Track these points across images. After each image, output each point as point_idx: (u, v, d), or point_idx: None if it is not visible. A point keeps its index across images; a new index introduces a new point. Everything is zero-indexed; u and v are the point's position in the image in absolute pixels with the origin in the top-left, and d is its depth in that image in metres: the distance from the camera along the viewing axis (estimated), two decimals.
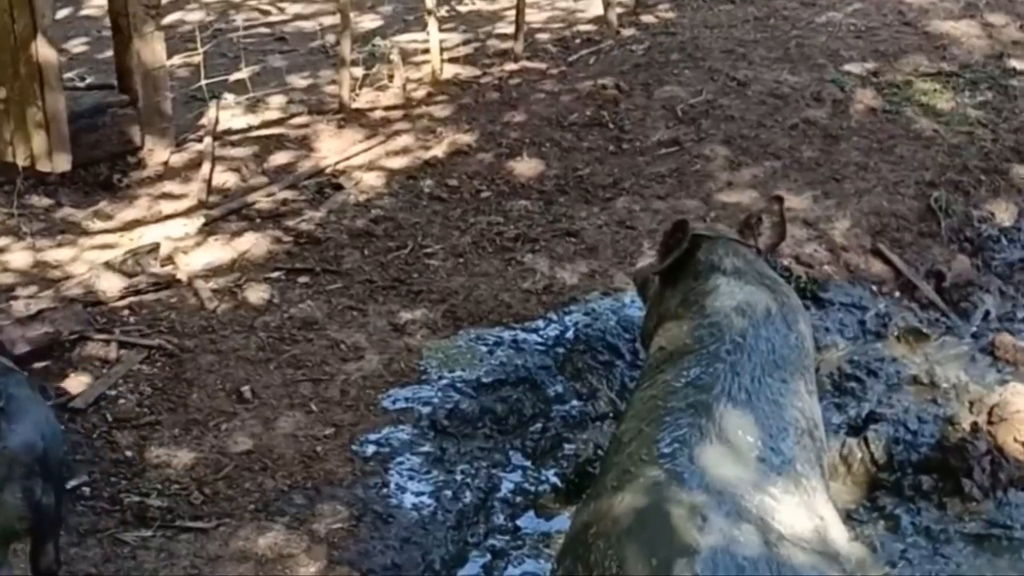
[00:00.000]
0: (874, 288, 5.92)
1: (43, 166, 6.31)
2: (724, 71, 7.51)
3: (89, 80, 7.80)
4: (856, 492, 4.76)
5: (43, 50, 6.07)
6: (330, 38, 8.36)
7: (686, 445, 3.33)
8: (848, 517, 4.37)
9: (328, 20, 8.81)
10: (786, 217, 4.42)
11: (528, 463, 4.86)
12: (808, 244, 6.02)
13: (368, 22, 8.95)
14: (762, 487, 3.28)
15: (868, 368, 5.34)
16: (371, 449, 4.65)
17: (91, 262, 5.75)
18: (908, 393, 5.21)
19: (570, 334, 5.37)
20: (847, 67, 7.55)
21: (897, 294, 5.96)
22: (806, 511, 3.33)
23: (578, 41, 8.31)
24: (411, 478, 4.56)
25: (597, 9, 8.76)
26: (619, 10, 8.67)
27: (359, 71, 7.63)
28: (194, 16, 9.17)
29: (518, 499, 4.69)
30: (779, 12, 8.52)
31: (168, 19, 8.73)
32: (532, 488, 4.75)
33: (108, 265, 5.63)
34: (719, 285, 4.00)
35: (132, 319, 5.38)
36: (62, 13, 9.22)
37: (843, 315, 5.72)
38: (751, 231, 4.32)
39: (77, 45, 8.65)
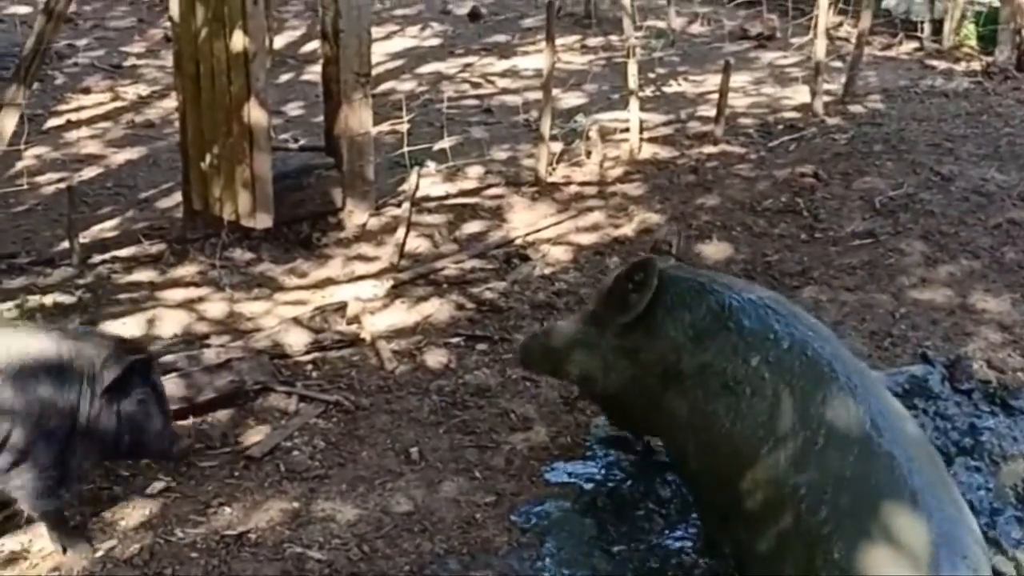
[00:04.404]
0: None
1: (247, 222, 6.60)
2: (928, 165, 7.34)
3: (302, 142, 8.14)
4: None
5: (255, 112, 6.37)
6: (534, 113, 8.52)
7: None
8: None
9: (533, 96, 8.98)
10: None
11: (689, 550, 4.77)
12: (1002, 349, 5.77)
13: (574, 99, 9.09)
14: None
15: None
16: (530, 521, 4.66)
17: (281, 316, 5.97)
18: None
19: None
20: None
21: None
22: None
23: (780, 127, 8.26)
24: (567, 554, 4.53)
25: (804, 96, 8.69)
26: (826, 98, 8.58)
27: (558, 146, 7.74)
28: (407, 86, 9.49)
29: None
30: (993, 108, 8.30)
31: (382, 87, 9.08)
32: None
33: (296, 320, 5.84)
34: None
35: (314, 374, 5.55)
36: (284, 77, 9.68)
37: None
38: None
39: (294, 108, 9.05)
